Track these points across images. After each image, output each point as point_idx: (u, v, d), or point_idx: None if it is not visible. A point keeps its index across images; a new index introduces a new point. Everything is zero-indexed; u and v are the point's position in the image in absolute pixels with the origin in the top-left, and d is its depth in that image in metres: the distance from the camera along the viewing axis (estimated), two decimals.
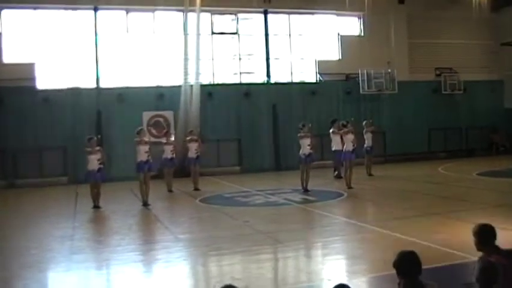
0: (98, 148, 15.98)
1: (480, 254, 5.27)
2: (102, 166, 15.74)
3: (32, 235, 11.93)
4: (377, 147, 23.71)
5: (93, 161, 15.62)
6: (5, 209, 16.36)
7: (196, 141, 19.41)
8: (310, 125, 18.21)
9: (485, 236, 5.32)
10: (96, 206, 15.65)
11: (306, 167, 17.51)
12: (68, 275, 8.59)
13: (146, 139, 15.99)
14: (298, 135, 17.72)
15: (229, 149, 26.66)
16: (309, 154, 17.43)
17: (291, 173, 23.52)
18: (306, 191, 17.18)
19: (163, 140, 19.70)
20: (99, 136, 17.82)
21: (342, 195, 16.49)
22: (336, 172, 21.03)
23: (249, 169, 26.13)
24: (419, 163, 26.54)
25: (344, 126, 18.76)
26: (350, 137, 17.93)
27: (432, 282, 4.43)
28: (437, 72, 30.17)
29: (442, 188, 17.44)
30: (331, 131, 18.63)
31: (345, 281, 4.30)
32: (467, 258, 8.01)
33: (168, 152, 19.25)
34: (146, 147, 15.65)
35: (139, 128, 17.19)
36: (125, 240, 10.98)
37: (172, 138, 20.30)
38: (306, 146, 17.43)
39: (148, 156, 15.69)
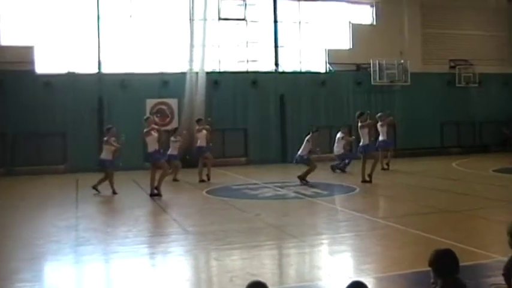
0: (114, 139, 16.94)
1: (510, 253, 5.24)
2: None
3: (35, 225, 11.90)
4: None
5: (108, 152, 16.71)
6: (5, 197, 16.35)
7: (207, 130, 19.44)
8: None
9: None
10: (115, 192, 16.44)
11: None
12: (76, 267, 8.57)
13: (155, 126, 16.11)
14: (307, 138, 18.35)
15: (235, 139, 26.66)
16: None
17: (298, 166, 23.52)
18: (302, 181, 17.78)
19: (173, 138, 19.61)
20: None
21: (353, 189, 16.50)
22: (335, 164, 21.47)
23: (255, 160, 26.17)
24: (431, 158, 26.54)
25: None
26: (366, 130, 18.02)
27: (474, 282, 4.40)
28: (452, 64, 30.10)
29: (458, 184, 17.45)
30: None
31: (362, 279, 4.27)
32: (490, 258, 8.02)
33: (174, 149, 19.50)
34: (156, 135, 15.78)
35: (146, 116, 17.40)
36: (132, 232, 10.97)
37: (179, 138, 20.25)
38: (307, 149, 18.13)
39: (159, 144, 16.04)
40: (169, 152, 18.95)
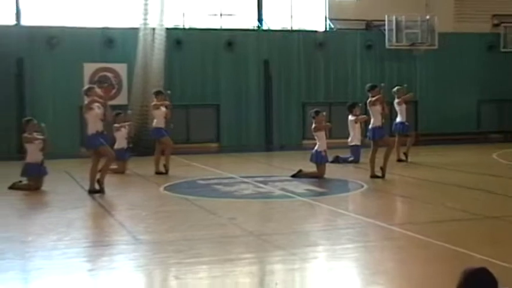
0: (36, 134, 16.89)
1: None
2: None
3: None
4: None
5: (33, 151, 16.74)
6: None
7: (166, 106, 19.45)
8: (324, 113, 18.94)
9: None
10: None
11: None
12: None
13: (99, 99, 16.01)
14: (314, 126, 18.28)
15: (203, 118, 26.83)
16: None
17: (287, 154, 23.64)
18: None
19: (116, 124, 19.51)
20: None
21: (360, 186, 16.65)
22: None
23: (229, 147, 26.23)
24: (464, 147, 26.67)
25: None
26: (377, 108, 18.14)
27: None
28: (495, 21, 30.24)
29: (499, 182, 17.50)
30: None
31: None
32: None
33: (122, 140, 19.65)
34: (100, 112, 15.73)
35: (88, 86, 17.36)
36: (63, 241, 10.91)
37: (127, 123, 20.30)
38: (324, 140, 18.14)
39: (104, 124, 16.00)
40: (115, 146, 18.87)
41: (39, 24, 25.34)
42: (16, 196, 15.83)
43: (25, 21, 25.29)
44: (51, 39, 24.95)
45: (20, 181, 16.71)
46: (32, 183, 16.52)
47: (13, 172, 17.28)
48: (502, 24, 30.20)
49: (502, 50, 30.09)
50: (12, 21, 25.18)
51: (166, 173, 19.08)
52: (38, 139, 16.78)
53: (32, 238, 11.39)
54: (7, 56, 24.45)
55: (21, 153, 18.18)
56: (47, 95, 24.32)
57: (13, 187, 16.51)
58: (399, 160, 21.27)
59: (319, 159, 18.04)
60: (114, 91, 24.58)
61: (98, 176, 15.72)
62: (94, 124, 15.74)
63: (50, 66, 24.74)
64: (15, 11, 25.24)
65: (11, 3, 25.22)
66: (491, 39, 30.23)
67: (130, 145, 20.38)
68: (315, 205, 14.30)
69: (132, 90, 24.81)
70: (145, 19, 25.14)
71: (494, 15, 30.27)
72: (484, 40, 30.11)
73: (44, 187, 16.61)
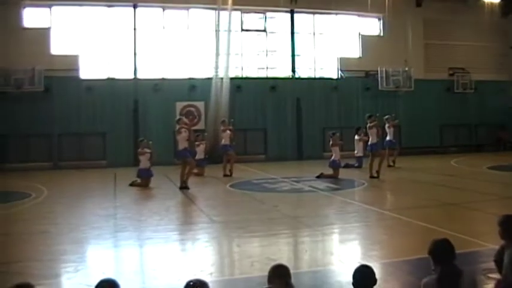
0: (146, 149, 17.12)
1: (501, 242, 5.21)
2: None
3: (79, 213, 12.05)
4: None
5: (144, 161, 16.89)
6: (53, 189, 16.51)
7: (231, 130, 19.54)
8: (338, 134, 18.94)
9: (510, 225, 5.25)
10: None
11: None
12: (115, 251, 8.68)
13: (185, 126, 16.16)
14: (330, 144, 18.30)
15: (255, 138, 26.67)
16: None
17: (313, 162, 23.50)
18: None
19: (196, 142, 19.46)
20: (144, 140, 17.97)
21: (362, 184, 16.45)
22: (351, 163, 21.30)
23: (273, 157, 26.15)
24: (432, 156, 26.33)
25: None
26: (374, 130, 18.10)
27: (469, 268, 4.39)
28: (451, 71, 29.84)
29: (455, 180, 17.26)
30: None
31: (369, 264, 4.28)
32: (483, 246, 7.98)
33: (201, 153, 19.71)
34: (186, 135, 15.84)
35: (178, 117, 17.65)
36: (164, 220, 11.05)
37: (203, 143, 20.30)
38: (338, 153, 18.07)
39: (188, 143, 16.13)
40: (196, 157, 18.81)
41: (148, 76, 25.63)
42: (133, 190, 16.04)
43: (139, 75, 25.60)
44: (155, 86, 25.22)
45: (136, 180, 16.88)
46: (143, 182, 16.67)
47: (131, 174, 17.53)
48: (455, 74, 29.80)
49: (456, 91, 29.67)
50: (131, 75, 25.50)
51: (230, 175, 19.03)
52: (147, 152, 17.05)
53: (144, 218, 11.53)
54: (127, 98, 24.81)
55: (136, 161, 18.35)
56: (153, 123, 24.52)
57: (131, 184, 16.71)
58: (389, 166, 20.99)
59: (335, 165, 17.93)
60: (195, 120, 24.76)
61: (185, 177, 15.85)
62: (182, 143, 15.90)
63: (154, 104, 24.95)
64: (133, 69, 25.59)
65: (131, 64, 25.57)
66: (448, 83, 29.76)
67: (207, 156, 20.48)
68: (332, 197, 14.18)
69: (207, 119, 24.90)
70: (216, 72, 25.25)
71: (449, 68, 29.85)
72: (444, 84, 29.66)
73: (151, 184, 16.78)
